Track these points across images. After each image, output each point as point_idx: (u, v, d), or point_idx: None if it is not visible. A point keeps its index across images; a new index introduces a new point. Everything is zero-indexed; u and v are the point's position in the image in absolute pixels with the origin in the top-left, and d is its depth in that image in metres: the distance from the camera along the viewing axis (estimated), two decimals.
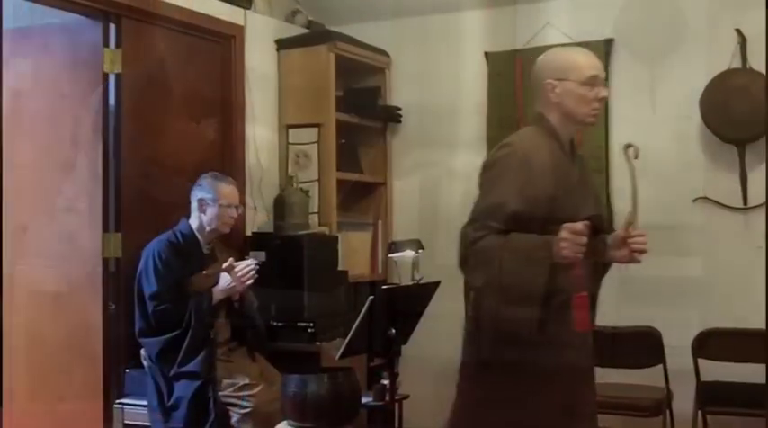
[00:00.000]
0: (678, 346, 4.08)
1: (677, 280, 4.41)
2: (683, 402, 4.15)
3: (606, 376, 4.24)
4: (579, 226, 2.36)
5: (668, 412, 4.13)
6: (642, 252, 2.55)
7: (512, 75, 4.82)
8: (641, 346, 4.11)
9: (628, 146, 2.55)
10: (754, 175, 4.29)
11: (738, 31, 4.30)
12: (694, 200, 4.41)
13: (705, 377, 4.08)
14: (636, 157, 2.53)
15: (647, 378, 4.19)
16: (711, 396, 4.05)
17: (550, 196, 2.49)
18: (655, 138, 4.47)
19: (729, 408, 4.04)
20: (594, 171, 4.55)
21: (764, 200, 4.19)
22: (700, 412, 4.12)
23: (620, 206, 4.55)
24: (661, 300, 4.41)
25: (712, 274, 4.35)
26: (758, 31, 4.24)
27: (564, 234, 2.36)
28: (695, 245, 4.42)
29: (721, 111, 4.27)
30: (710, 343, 4.01)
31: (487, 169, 2.55)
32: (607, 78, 4.52)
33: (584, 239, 2.36)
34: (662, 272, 4.43)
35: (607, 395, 4.12)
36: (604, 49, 4.58)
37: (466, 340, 2.63)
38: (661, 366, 4.11)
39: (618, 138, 4.58)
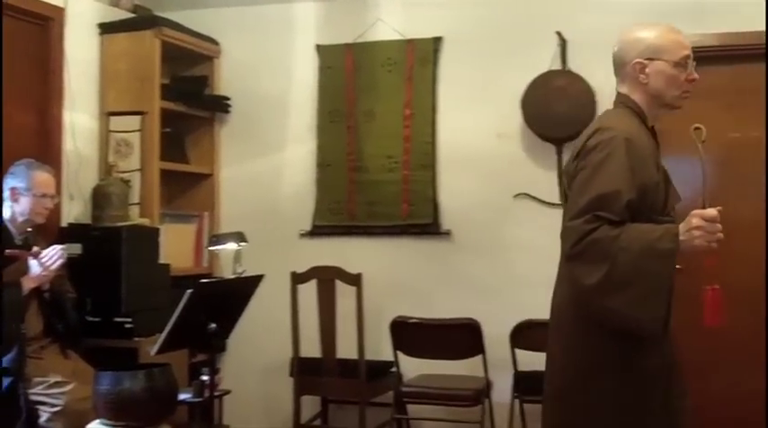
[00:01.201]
0: (498, 337, 4.34)
1: (499, 273, 4.69)
2: (505, 391, 4.41)
3: (429, 367, 4.48)
4: (713, 212, 2.27)
5: (488, 401, 4.38)
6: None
7: (342, 69, 4.97)
8: (463, 338, 4.34)
9: (696, 128, 2.48)
10: None
11: (559, 33, 4.61)
12: (515, 197, 4.69)
13: (523, 366, 4.35)
14: (703, 140, 2.46)
15: (468, 368, 4.43)
16: (527, 385, 4.32)
17: (656, 182, 2.41)
18: (480, 135, 4.74)
19: (542, 397, 4.31)
20: (422, 166, 4.79)
21: None
22: (517, 400, 4.39)
23: (446, 201, 4.80)
24: (484, 293, 4.68)
25: (532, 267, 4.64)
26: (577, 34, 4.59)
27: (696, 221, 2.26)
28: (516, 240, 4.70)
29: (541, 110, 4.57)
30: (527, 334, 4.28)
31: (590, 154, 2.37)
32: (435, 76, 4.80)
33: (719, 226, 2.27)
34: (485, 266, 4.72)
35: (429, 386, 4.36)
36: (433, 47, 4.82)
37: (569, 345, 2.46)
38: (482, 357, 4.35)
39: (444, 134, 4.81)
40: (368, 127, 4.91)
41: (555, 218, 4.54)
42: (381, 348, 4.58)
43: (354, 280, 4.44)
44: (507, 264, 4.69)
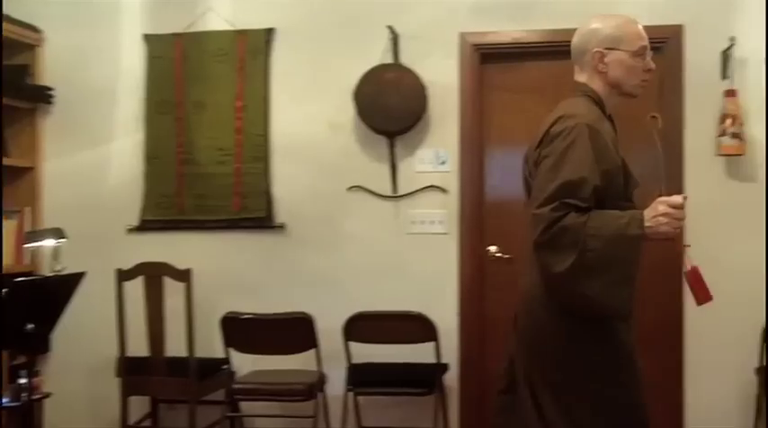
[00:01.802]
0: (332, 330, 4.42)
1: (333, 266, 4.77)
2: (339, 384, 4.49)
3: (262, 363, 4.51)
4: (679, 199, 2.39)
5: (321, 395, 4.45)
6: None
7: (171, 59, 4.93)
8: (296, 332, 4.39)
9: (652, 116, 2.62)
10: (403, 166, 4.74)
11: (390, 27, 4.73)
12: (349, 189, 4.79)
13: (356, 359, 4.45)
14: (659, 128, 2.61)
15: (302, 363, 4.49)
16: (361, 378, 4.43)
17: (618, 168, 2.52)
18: (313, 127, 4.81)
19: (377, 388, 4.44)
20: (254, 159, 4.81)
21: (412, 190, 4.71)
22: (351, 393, 4.48)
23: (280, 194, 4.84)
24: (318, 286, 4.75)
25: (365, 260, 4.76)
26: (408, 28, 4.72)
27: (663, 208, 2.37)
28: (350, 232, 4.79)
29: (374, 103, 4.68)
30: (360, 326, 4.38)
31: (554, 141, 2.45)
32: (267, 68, 4.83)
33: (684, 213, 2.40)
34: (319, 259, 4.80)
35: (261, 382, 4.40)
36: (265, 38, 4.85)
37: (544, 327, 2.52)
38: (315, 351, 4.42)
39: (277, 126, 4.85)
40: (198, 118, 4.89)
41: (388, 210, 4.74)
42: (213, 345, 4.57)
43: (183, 276, 4.41)
44: (341, 257, 4.78)
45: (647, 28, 4.47)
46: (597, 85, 2.61)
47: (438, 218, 4.72)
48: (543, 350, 2.51)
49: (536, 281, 2.50)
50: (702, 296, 2.49)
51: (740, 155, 4.45)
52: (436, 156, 4.73)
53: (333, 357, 4.46)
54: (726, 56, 4.48)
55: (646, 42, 2.62)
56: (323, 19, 4.85)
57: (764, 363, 4.26)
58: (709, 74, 4.50)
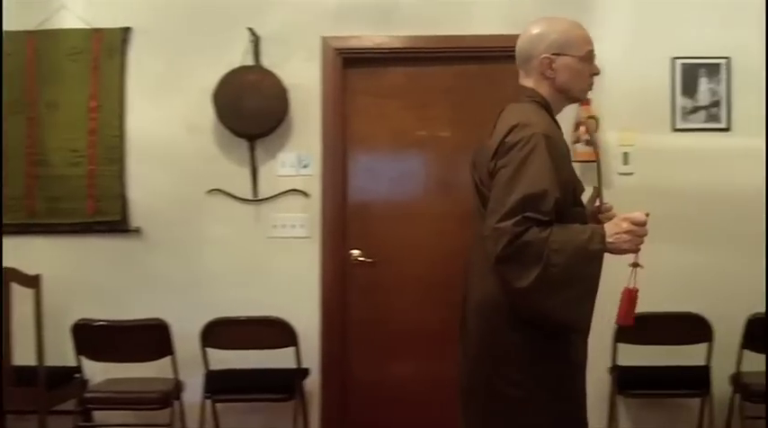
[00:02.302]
0: (189, 337, 4.43)
1: (190, 271, 4.77)
2: (196, 391, 4.49)
3: (116, 371, 4.47)
4: (642, 216, 2.39)
5: (178, 402, 4.44)
6: None
7: (23, 57, 4.84)
8: (151, 339, 4.37)
9: (590, 117, 2.68)
10: (264, 169, 4.79)
11: (251, 29, 4.77)
12: (208, 192, 4.80)
13: (215, 365, 4.46)
14: (596, 130, 2.68)
15: (158, 370, 4.46)
16: (219, 384, 4.44)
17: (573, 176, 2.54)
18: (171, 129, 4.80)
19: (235, 395, 4.46)
20: (109, 161, 4.77)
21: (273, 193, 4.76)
22: (209, 400, 4.49)
23: (136, 197, 4.81)
24: (175, 292, 4.74)
25: (224, 265, 4.78)
26: (269, 30, 4.78)
27: (626, 226, 2.38)
28: (208, 237, 4.81)
29: (233, 106, 4.71)
30: (218, 332, 4.40)
31: (511, 151, 2.41)
32: (123, 67, 4.80)
33: (647, 230, 2.39)
34: (176, 264, 4.79)
35: (115, 390, 4.36)
36: (121, 37, 4.81)
37: (497, 341, 2.50)
38: (170, 357, 4.41)
39: (133, 128, 4.82)
40: (51, 118, 4.81)
41: (248, 214, 4.78)
42: (65, 353, 4.49)
43: (32, 282, 4.34)
44: (199, 262, 4.79)
45: (503, 37, 4.69)
46: (545, 91, 2.60)
47: (300, 222, 4.79)
48: (498, 362, 2.50)
49: (493, 293, 2.49)
50: (625, 316, 2.49)
51: (593, 161, 4.67)
52: (298, 159, 4.80)
53: (190, 364, 4.46)
54: None
55: (592, 47, 2.63)
56: (182, 19, 4.85)
57: (616, 363, 4.48)
58: None
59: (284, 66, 4.77)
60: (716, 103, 4.74)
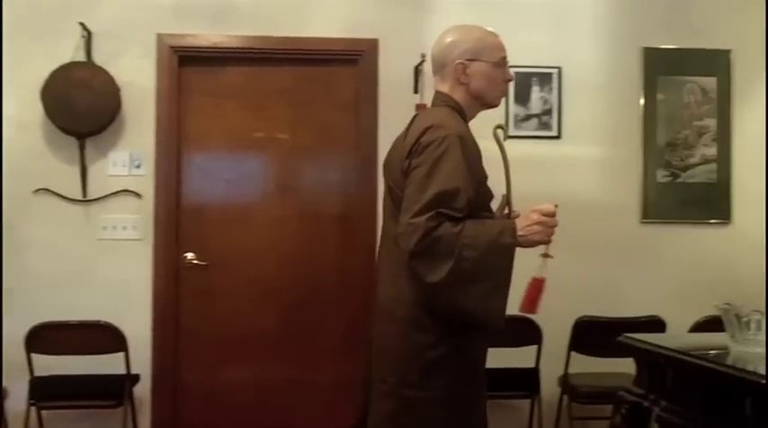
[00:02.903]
0: (12, 342, 4.37)
1: (15, 273, 4.69)
2: (21, 398, 4.44)
3: None
4: (551, 207, 2.52)
5: (0, 411, 4.37)
6: None
7: None
8: None
9: (498, 127, 2.72)
10: (95, 169, 4.77)
11: (83, 24, 4.74)
12: (35, 192, 4.74)
13: (40, 371, 4.41)
14: (505, 139, 2.72)
15: None
16: (45, 391, 4.40)
17: (486, 179, 2.63)
18: None
19: (62, 401, 4.44)
20: None
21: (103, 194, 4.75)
22: (33, 407, 4.44)
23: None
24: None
25: (50, 266, 4.72)
26: (102, 26, 4.75)
27: (537, 217, 2.50)
28: (34, 237, 4.75)
29: (63, 103, 4.66)
30: (43, 337, 4.35)
31: (425, 151, 2.51)
32: None
33: (557, 221, 2.53)
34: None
35: None
36: None
37: (408, 338, 2.58)
38: None
39: None
40: None
41: (77, 215, 4.75)
42: None
43: None
44: (23, 264, 4.71)
45: (342, 41, 4.91)
46: (459, 96, 2.70)
47: (131, 224, 4.79)
48: (400, 363, 2.59)
49: (402, 294, 2.59)
50: (529, 305, 2.59)
51: None
52: (130, 159, 4.80)
53: (14, 370, 4.40)
54: (417, 71, 4.90)
55: (505, 53, 2.75)
56: (11, 11, 4.76)
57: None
58: (402, 88, 4.90)
59: (117, 62, 4.77)
60: (547, 112, 5.02)
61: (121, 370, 4.46)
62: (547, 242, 2.54)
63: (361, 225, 4.89)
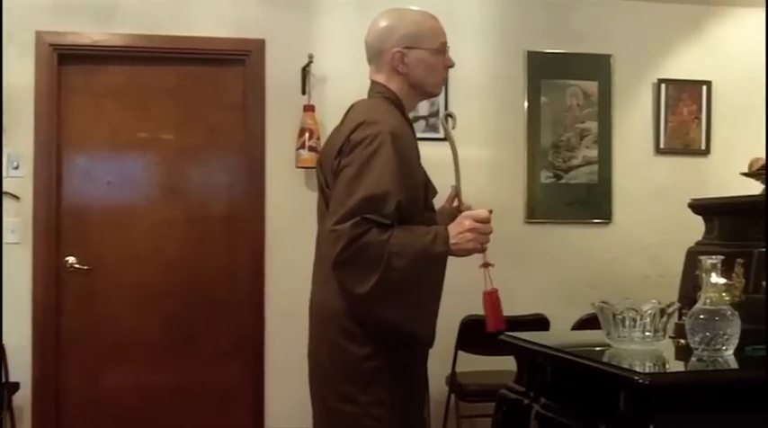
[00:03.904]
0: None
1: None
2: None
3: None
4: (485, 213, 2.35)
5: None
6: None
7: None
8: None
9: (447, 115, 2.57)
10: None
11: None
12: None
13: None
14: (453, 127, 2.55)
15: None
16: None
17: (421, 178, 2.45)
18: None
19: None
20: None
21: None
22: None
23: None
24: None
25: None
26: None
27: (469, 223, 2.33)
28: None
29: None
30: None
31: (355, 150, 2.32)
32: None
33: (491, 227, 2.36)
34: None
35: None
36: None
37: (339, 352, 2.41)
38: None
39: None
40: None
41: None
42: None
43: None
44: None
45: (228, 41, 4.86)
46: (396, 86, 2.51)
47: (10, 227, 4.65)
48: (334, 376, 2.43)
49: (331, 301, 2.42)
50: (496, 323, 2.43)
51: (314, 168, 4.86)
52: (8, 160, 4.66)
53: None
54: (305, 72, 4.90)
55: (445, 38, 2.54)
56: None
57: None
58: (289, 89, 4.89)
59: None
60: (434, 114, 5.08)
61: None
62: (480, 250, 2.40)
63: (248, 227, 4.87)
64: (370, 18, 5.14)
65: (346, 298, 2.34)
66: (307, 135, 4.81)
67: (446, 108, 5.06)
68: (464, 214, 2.39)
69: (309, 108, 4.86)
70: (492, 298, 2.42)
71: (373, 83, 2.56)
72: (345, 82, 4.84)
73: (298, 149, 4.83)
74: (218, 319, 4.88)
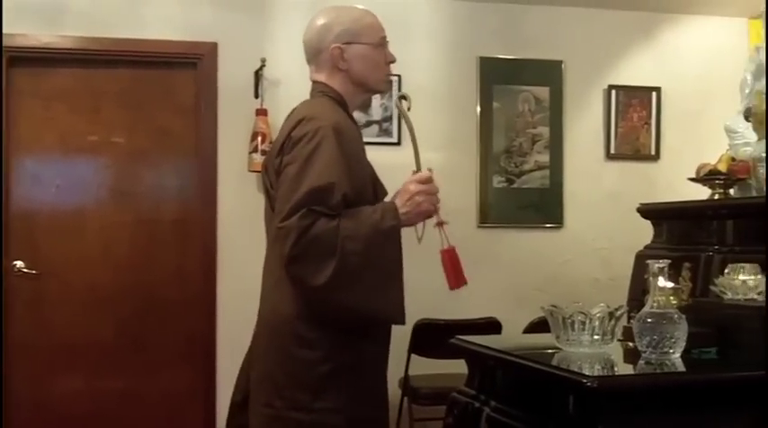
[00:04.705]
0: None
1: None
2: None
3: None
4: (427, 174, 2.35)
5: None
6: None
7: None
8: None
9: (402, 97, 2.52)
10: None
11: None
12: None
13: None
14: (408, 109, 2.53)
15: None
16: None
17: (368, 174, 2.41)
18: None
19: None
20: None
21: None
22: None
23: None
24: None
25: None
26: None
27: (415, 187, 2.33)
28: None
29: None
30: None
31: (296, 146, 2.28)
32: None
33: (437, 187, 2.37)
34: None
35: None
36: None
37: (294, 357, 2.31)
38: None
39: None
40: None
41: None
42: None
43: None
44: None
45: (180, 43, 4.82)
46: (338, 84, 2.46)
47: None
48: (284, 383, 2.32)
49: (280, 306, 2.34)
50: (456, 280, 2.40)
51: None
52: None
53: None
54: (258, 76, 4.87)
55: (384, 33, 2.50)
56: None
57: None
58: (242, 92, 4.86)
59: None
60: (388, 118, 5.08)
61: None
62: (434, 211, 2.39)
63: (200, 231, 4.83)
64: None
65: (301, 296, 2.27)
66: (259, 139, 4.78)
67: (399, 114, 5.05)
68: (407, 180, 2.38)
69: (262, 112, 4.84)
70: (451, 256, 2.40)
71: (315, 83, 2.52)
72: (298, 86, 4.67)
73: (250, 153, 4.81)
74: (169, 323, 4.84)
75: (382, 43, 2.49)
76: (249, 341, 4.53)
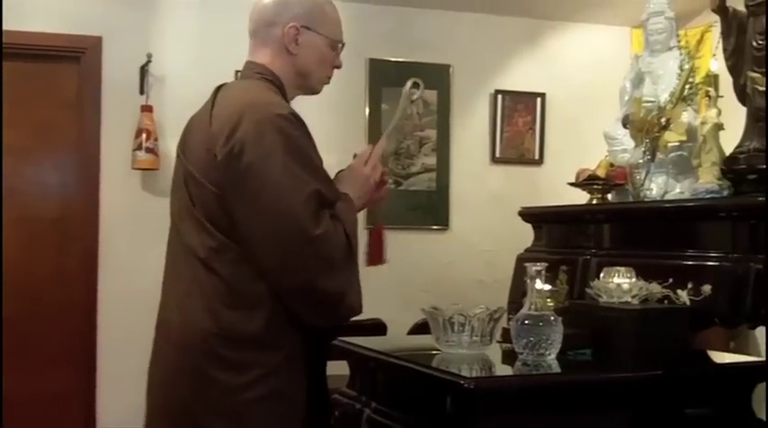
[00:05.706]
0: None
1: None
2: None
3: None
4: (366, 153, 2.28)
5: None
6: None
7: None
8: None
9: (415, 84, 2.48)
10: None
11: None
12: None
13: None
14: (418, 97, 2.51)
15: None
16: None
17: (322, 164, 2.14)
18: None
19: None
20: None
21: None
22: None
23: None
24: None
25: None
26: None
27: (368, 170, 2.25)
28: None
29: None
30: None
31: (264, 138, 1.98)
32: None
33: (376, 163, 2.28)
34: None
35: None
36: None
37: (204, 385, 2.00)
38: None
39: None
40: None
41: None
42: None
43: None
44: None
45: (63, 37, 4.68)
46: (279, 68, 2.17)
47: None
48: (200, 411, 2.01)
49: (197, 320, 2.02)
50: (376, 256, 2.43)
51: (155, 169, 4.74)
52: None
53: None
54: (143, 71, 4.78)
55: (342, 37, 2.28)
56: None
57: None
58: (127, 88, 4.76)
59: None
60: None
61: None
62: (386, 182, 2.34)
63: (81, 230, 4.72)
64: (211, 18, 5.12)
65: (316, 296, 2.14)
66: (144, 136, 4.69)
67: None
68: (351, 166, 2.28)
69: (147, 108, 4.75)
70: (378, 234, 2.44)
71: (249, 63, 2.22)
72: (185, 82, 4.76)
73: (134, 150, 4.71)
74: (49, 324, 4.70)
75: (336, 45, 2.26)
76: (131, 342, 4.44)
